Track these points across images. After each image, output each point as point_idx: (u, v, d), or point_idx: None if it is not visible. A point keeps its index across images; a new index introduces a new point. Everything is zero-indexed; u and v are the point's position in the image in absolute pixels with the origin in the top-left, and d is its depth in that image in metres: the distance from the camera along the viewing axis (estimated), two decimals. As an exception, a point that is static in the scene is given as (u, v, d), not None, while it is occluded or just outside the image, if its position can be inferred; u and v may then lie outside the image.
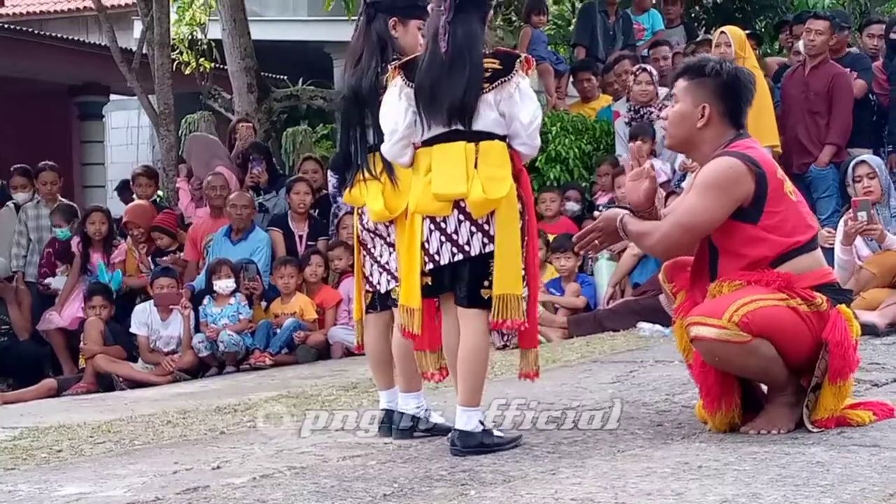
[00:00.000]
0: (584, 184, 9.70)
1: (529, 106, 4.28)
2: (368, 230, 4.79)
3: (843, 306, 4.11)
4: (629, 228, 4.26)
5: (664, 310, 7.85)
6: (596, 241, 4.37)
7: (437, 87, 4.25)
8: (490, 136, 4.27)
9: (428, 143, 4.34)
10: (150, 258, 9.73)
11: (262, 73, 12.59)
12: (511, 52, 4.42)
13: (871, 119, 9.20)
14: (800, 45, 9.44)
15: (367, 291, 4.87)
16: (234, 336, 8.62)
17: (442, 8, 4.28)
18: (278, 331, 8.73)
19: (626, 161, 9.22)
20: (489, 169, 4.24)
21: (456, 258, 4.27)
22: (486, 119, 4.26)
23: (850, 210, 6.89)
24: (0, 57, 13.48)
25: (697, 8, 13.36)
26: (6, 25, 13.87)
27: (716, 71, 4.26)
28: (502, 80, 4.25)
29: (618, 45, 11.52)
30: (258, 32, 13.13)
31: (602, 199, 9.26)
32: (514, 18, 13.64)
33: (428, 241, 4.29)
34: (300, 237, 9.59)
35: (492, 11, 4.54)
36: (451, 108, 4.24)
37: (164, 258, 9.59)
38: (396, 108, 4.36)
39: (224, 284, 8.82)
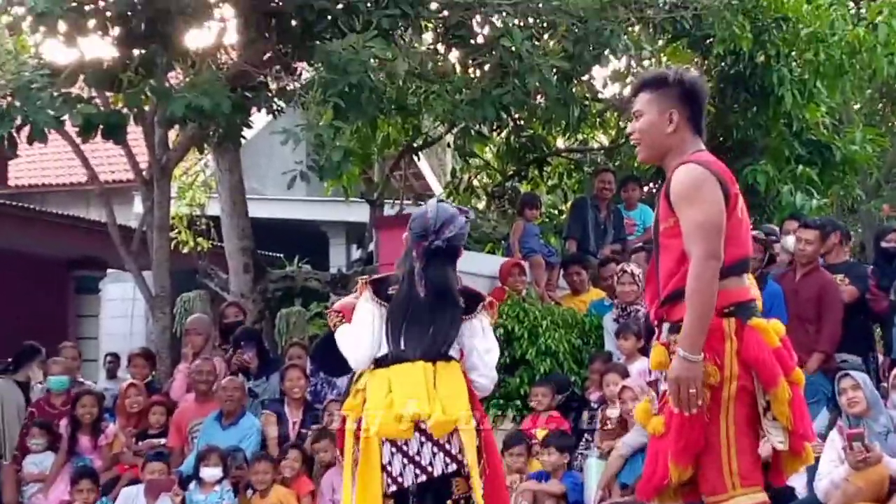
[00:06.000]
0: (573, 377, 9.76)
1: (488, 339, 4.49)
2: None
3: (756, 320, 4.19)
4: (681, 346, 4.12)
5: (652, 512, 7.90)
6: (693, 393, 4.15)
7: (419, 323, 4.44)
8: (444, 356, 4.45)
9: (383, 363, 4.47)
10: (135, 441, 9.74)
11: (259, 251, 12.77)
12: (478, 294, 4.64)
13: (861, 324, 9.29)
14: (789, 240, 9.60)
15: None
16: (220, 525, 8.58)
17: (415, 255, 4.50)
18: (263, 523, 8.69)
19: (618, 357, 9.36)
20: (447, 388, 4.38)
21: (420, 479, 4.35)
22: None
23: (845, 440, 6.95)
24: (1, 231, 13.67)
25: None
26: (7, 202, 14.08)
27: (678, 79, 4.39)
28: (463, 317, 4.47)
29: (608, 239, 11.73)
30: (256, 210, 13.36)
31: (594, 395, 9.30)
32: (507, 208, 13.93)
33: (390, 463, 4.37)
34: (294, 423, 9.60)
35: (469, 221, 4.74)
36: (434, 339, 4.41)
37: (147, 441, 9.61)
38: (369, 323, 4.51)
39: (211, 472, 8.78)
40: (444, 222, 4.57)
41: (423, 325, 4.45)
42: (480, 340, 4.51)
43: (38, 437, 9.65)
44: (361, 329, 4.56)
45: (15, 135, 9.60)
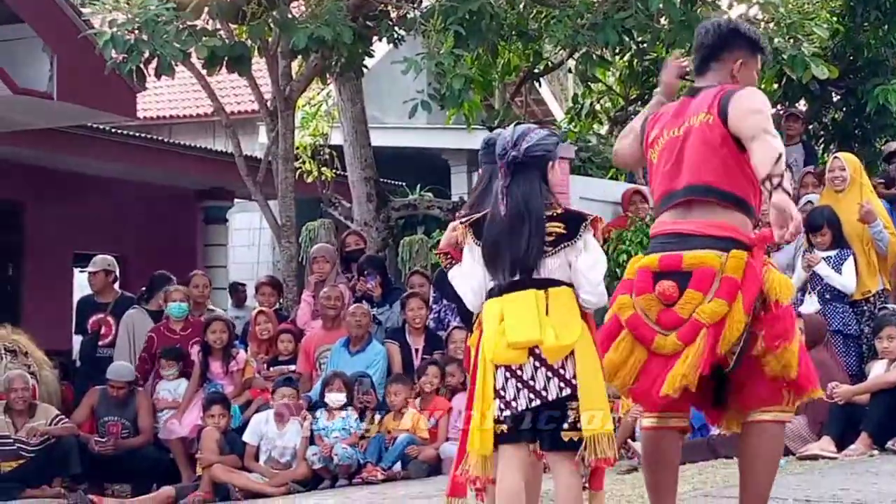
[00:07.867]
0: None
1: (590, 257, 4.45)
2: None
3: (643, 256, 4.70)
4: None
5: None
6: None
7: (500, 244, 4.45)
8: (556, 282, 4.44)
9: (496, 293, 4.50)
10: (265, 367, 9.97)
11: (381, 180, 12.84)
12: (580, 214, 4.58)
13: None
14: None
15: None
16: (348, 449, 8.74)
17: (500, 174, 4.50)
18: (390, 447, 8.84)
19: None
20: (559, 314, 4.39)
21: (533, 404, 4.39)
22: (549, 267, 4.44)
23: None
24: (131, 163, 13.97)
25: (817, 124, 13.34)
26: (137, 133, 14.37)
27: None
28: (565, 244, 4.45)
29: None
30: (377, 139, 13.42)
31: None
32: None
33: (504, 388, 4.42)
34: (416, 351, 9.72)
35: (558, 160, 4.68)
36: (513, 263, 4.43)
37: (277, 368, 9.84)
38: (479, 269, 4.55)
39: (336, 398, 8.95)
40: (520, 135, 4.58)
41: (505, 248, 4.47)
42: (583, 258, 4.48)
43: (171, 364, 9.90)
44: (469, 277, 4.61)
45: (143, 68, 9.78)
